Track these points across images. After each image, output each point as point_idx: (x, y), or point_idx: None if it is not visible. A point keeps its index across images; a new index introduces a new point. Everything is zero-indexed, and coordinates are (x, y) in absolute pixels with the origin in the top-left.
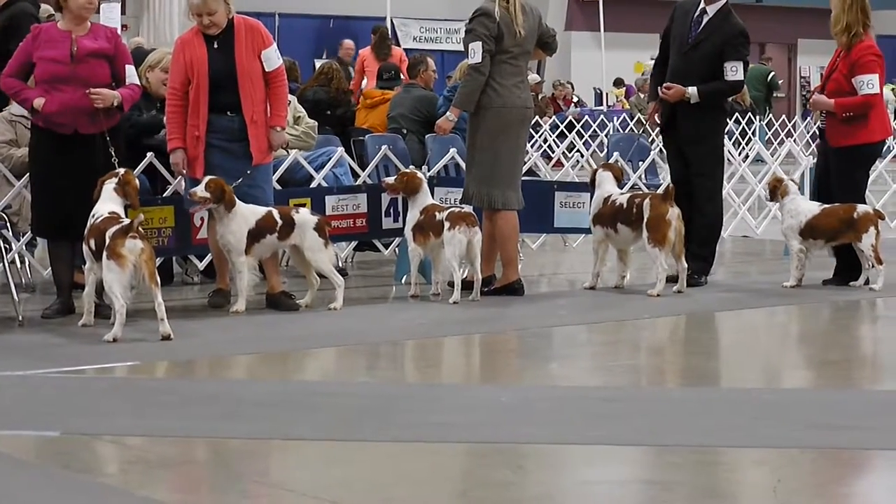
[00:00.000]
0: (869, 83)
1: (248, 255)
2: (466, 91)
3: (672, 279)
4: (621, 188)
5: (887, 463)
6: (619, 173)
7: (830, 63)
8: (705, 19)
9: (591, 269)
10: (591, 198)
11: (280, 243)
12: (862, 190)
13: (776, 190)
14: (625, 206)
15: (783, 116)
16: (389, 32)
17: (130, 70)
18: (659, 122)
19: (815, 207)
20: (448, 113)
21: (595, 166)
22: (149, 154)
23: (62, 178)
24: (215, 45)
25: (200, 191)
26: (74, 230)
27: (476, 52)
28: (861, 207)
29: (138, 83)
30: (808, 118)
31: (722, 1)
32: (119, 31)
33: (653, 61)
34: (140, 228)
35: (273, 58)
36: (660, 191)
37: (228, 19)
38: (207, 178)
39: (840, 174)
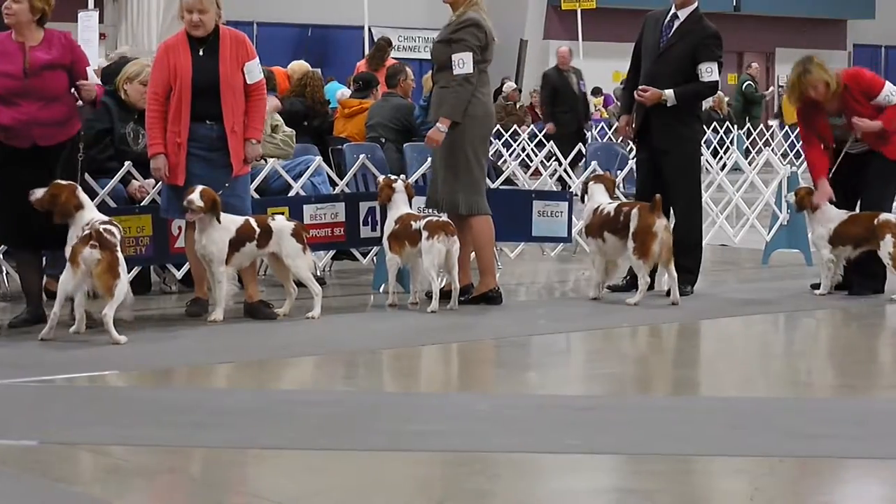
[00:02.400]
0: (892, 92)
1: (227, 264)
2: (456, 101)
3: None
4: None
5: (866, 471)
6: (612, 184)
7: (820, 122)
8: (676, 24)
9: (591, 280)
10: (583, 209)
11: (259, 251)
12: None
13: (805, 200)
14: (612, 214)
15: (761, 126)
16: (368, 41)
17: (90, 72)
18: (631, 133)
19: (843, 215)
20: (438, 124)
21: (577, 177)
22: (126, 163)
23: (24, 191)
24: (200, 52)
25: (196, 199)
26: (39, 240)
27: (466, 63)
28: (883, 215)
29: (99, 83)
30: (786, 127)
31: (693, 5)
32: (98, 41)
33: None
34: (107, 237)
35: (255, 71)
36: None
37: (216, 26)
38: (201, 187)
39: (884, 185)
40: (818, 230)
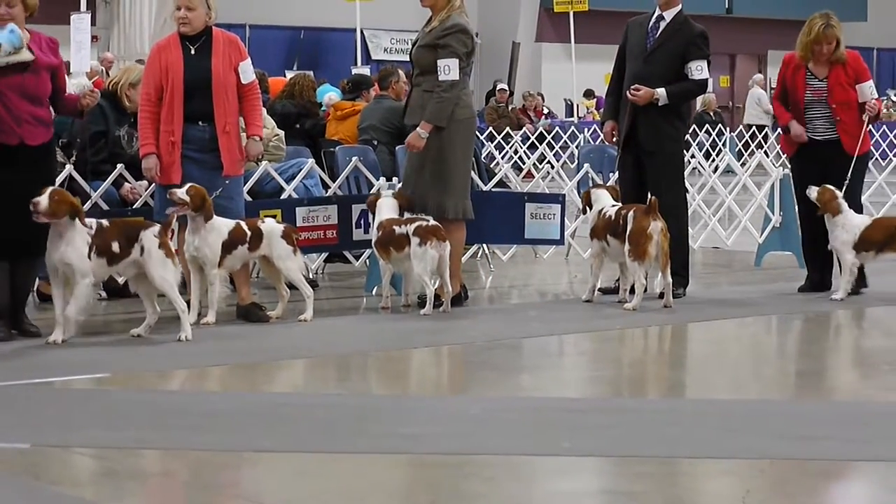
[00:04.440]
0: (872, 89)
1: (220, 267)
2: (441, 107)
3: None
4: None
5: (856, 473)
6: (616, 194)
7: (798, 77)
8: (662, 25)
9: (588, 282)
10: (589, 214)
11: (250, 254)
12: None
13: (829, 204)
14: (613, 217)
15: (753, 127)
16: (360, 43)
17: (84, 78)
18: (616, 139)
19: (867, 220)
20: (419, 129)
21: (567, 180)
22: (119, 166)
23: (8, 193)
24: (192, 52)
25: (181, 192)
26: (25, 246)
27: (452, 70)
28: None
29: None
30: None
31: (678, 7)
32: (90, 43)
33: None
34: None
35: (249, 71)
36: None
37: (207, 27)
38: (189, 184)
39: (858, 180)
40: (842, 236)
